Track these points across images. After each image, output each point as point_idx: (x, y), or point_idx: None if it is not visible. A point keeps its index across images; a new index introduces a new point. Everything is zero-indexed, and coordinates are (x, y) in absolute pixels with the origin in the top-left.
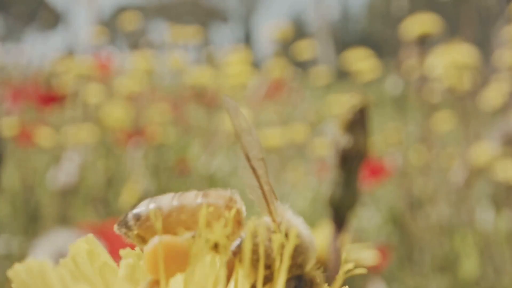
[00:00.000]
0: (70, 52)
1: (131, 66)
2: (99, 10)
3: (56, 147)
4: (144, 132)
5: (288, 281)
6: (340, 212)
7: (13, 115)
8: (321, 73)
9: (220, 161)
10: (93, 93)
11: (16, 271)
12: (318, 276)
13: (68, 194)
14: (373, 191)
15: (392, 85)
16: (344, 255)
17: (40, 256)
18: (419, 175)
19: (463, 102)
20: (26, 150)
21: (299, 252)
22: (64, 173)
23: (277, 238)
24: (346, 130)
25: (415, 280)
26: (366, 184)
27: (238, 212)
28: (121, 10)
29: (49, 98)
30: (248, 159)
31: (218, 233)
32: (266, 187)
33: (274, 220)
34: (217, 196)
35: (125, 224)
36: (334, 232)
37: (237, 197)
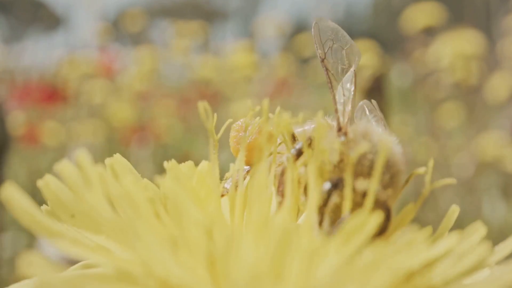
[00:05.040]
0: (74, 52)
1: (135, 64)
2: (103, 10)
3: (61, 145)
4: (149, 130)
5: (326, 183)
6: None
7: (18, 115)
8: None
9: (226, 157)
10: (97, 92)
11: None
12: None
13: None
14: None
15: (398, 78)
16: None
17: (47, 253)
18: (426, 167)
19: (469, 93)
20: (32, 149)
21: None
22: None
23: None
24: (365, 97)
25: None
26: None
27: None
28: (124, 10)
29: (54, 97)
30: (326, 69)
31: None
32: (335, 93)
33: (338, 124)
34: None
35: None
36: None
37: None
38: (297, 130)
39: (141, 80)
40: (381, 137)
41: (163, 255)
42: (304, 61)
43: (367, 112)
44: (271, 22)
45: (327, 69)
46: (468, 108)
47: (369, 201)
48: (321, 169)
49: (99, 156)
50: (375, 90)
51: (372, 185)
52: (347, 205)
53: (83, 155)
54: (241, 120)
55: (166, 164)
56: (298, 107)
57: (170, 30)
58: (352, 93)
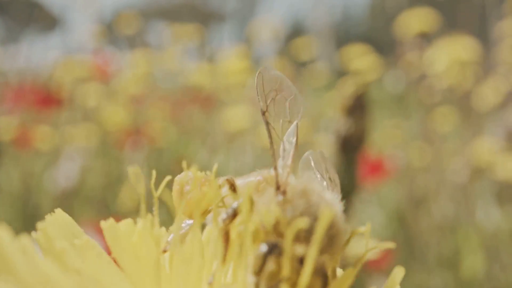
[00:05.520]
0: (68, 54)
1: (130, 67)
2: (98, 12)
3: (54, 149)
4: (144, 133)
5: (262, 245)
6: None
7: (12, 118)
8: (321, 72)
9: (219, 160)
10: (92, 95)
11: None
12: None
13: (67, 195)
14: (376, 189)
15: (392, 82)
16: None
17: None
18: (421, 173)
19: (463, 98)
20: (25, 153)
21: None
22: (64, 175)
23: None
24: (346, 116)
25: (419, 277)
26: (368, 182)
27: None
28: (120, 12)
29: (48, 100)
30: (266, 122)
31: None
32: (276, 149)
33: (277, 182)
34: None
35: None
36: None
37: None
38: (239, 182)
39: (136, 83)
40: (320, 196)
41: None
42: (300, 64)
43: (312, 165)
44: (267, 25)
45: (267, 123)
46: (463, 113)
47: (306, 268)
48: (257, 231)
49: (93, 160)
50: (357, 109)
51: (310, 252)
52: (283, 271)
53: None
54: (185, 172)
55: (103, 223)
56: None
57: (166, 32)
58: (294, 147)
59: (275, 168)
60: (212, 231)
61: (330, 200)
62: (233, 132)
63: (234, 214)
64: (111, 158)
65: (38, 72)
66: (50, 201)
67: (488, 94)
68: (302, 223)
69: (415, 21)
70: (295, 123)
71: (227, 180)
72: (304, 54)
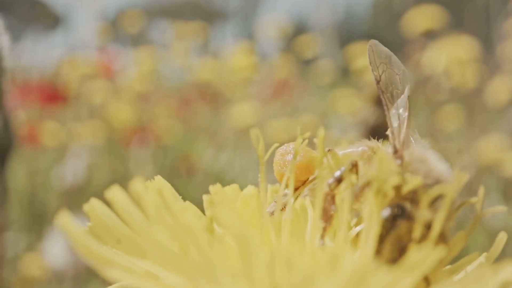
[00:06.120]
0: (73, 52)
1: (135, 65)
2: (102, 11)
3: (61, 146)
4: (149, 131)
5: (388, 208)
6: None
7: (19, 116)
8: (326, 70)
9: (226, 158)
10: (97, 93)
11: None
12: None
13: (74, 192)
14: None
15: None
16: None
17: (54, 244)
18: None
19: (469, 96)
20: (31, 149)
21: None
22: (70, 172)
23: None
24: (374, 105)
25: None
26: None
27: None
28: (124, 10)
29: (54, 97)
30: (382, 91)
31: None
32: (391, 115)
33: (394, 146)
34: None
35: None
36: None
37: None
38: (341, 153)
39: (141, 81)
40: (437, 164)
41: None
42: (305, 62)
43: (413, 141)
44: (271, 23)
45: (382, 91)
46: (468, 111)
47: (434, 233)
48: (377, 195)
49: (99, 157)
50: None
51: (439, 217)
52: (410, 235)
53: (137, 183)
54: (286, 144)
55: (211, 188)
56: (298, 109)
57: (170, 30)
58: (407, 117)
59: (392, 132)
60: (317, 196)
61: (447, 168)
62: (239, 129)
63: (340, 180)
64: (117, 155)
65: (43, 70)
66: (57, 198)
67: (494, 92)
68: (438, 189)
69: (420, 19)
70: (406, 95)
71: (329, 150)
72: (308, 52)
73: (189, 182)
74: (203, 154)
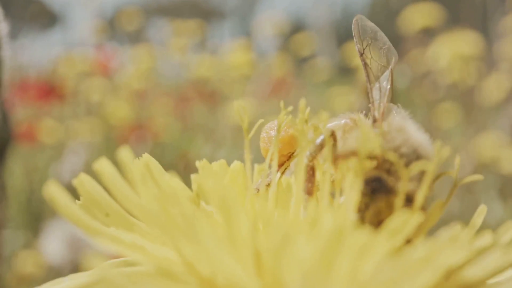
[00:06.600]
0: (71, 50)
1: (133, 63)
2: (99, 9)
3: (59, 144)
4: (147, 128)
5: (368, 182)
6: None
7: (16, 113)
8: (323, 68)
9: (224, 155)
10: (95, 90)
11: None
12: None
13: (72, 190)
14: None
15: (396, 78)
16: None
17: (51, 240)
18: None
19: (467, 93)
20: (29, 147)
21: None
22: (68, 170)
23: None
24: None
25: None
26: None
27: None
28: (121, 8)
29: (51, 95)
30: (364, 63)
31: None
32: (371, 87)
33: (373, 116)
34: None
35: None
36: None
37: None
38: (323, 126)
39: (138, 79)
40: (416, 133)
41: (219, 253)
42: (302, 60)
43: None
44: (269, 21)
45: (365, 63)
46: (466, 108)
47: (416, 202)
48: (357, 164)
49: (97, 154)
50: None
51: (421, 189)
52: (388, 205)
53: (125, 154)
54: (271, 121)
55: (198, 163)
56: (295, 107)
57: (168, 28)
58: (388, 90)
59: (372, 103)
60: (299, 167)
61: (425, 138)
62: (237, 127)
63: (318, 149)
64: (115, 153)
65: (40, 68)
66: None
67: (492, 89)
68: (400, 154)
69: (418, 16)
70: (389, 69)
71: (312, 125)
72: (305, 50)
73: (186, 179)
74: (200, 152)
